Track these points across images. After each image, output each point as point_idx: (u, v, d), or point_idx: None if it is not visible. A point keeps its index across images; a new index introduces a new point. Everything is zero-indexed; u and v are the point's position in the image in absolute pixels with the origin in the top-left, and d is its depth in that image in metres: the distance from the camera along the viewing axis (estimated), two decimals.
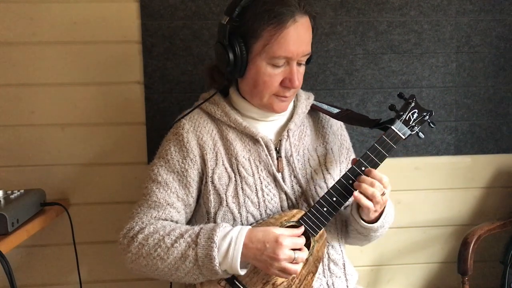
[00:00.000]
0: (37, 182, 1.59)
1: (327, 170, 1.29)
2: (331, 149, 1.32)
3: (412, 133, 1.22)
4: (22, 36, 1.56)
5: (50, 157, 1.60)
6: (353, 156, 1.38)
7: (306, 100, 1.33)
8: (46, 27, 1.56)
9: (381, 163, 1.19)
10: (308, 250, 1.15)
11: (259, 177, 1.22)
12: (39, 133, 1.59)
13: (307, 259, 1.15)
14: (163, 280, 1.19)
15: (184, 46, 1.60)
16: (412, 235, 1.77)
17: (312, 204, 1.19)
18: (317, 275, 1.20)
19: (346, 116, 1.33)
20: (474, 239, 1.57)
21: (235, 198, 1.20)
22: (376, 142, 1.19)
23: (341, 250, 1.29)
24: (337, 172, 1.30)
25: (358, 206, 1.20)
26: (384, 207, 1.21)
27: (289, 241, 1.10)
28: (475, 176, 1.77)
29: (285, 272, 1.10)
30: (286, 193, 1.23)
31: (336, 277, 1.26)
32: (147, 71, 1.60)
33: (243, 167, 1.22)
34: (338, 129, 1.37)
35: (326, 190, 1.19)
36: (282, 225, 1.16)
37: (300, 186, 1.24)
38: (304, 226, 1.15)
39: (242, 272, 1.11)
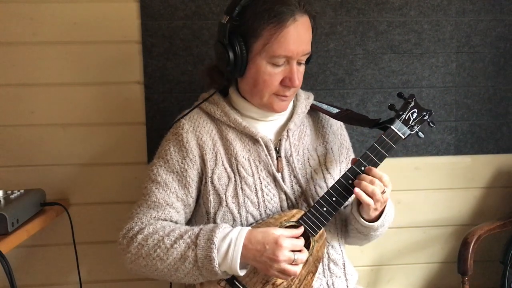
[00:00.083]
0: (37, 182, 1.59)
1: (327, 170, 1.28)
2: (331, 148, 1.32)
3: (412, 132, 1.22)
4: (22, 36, 1.56)
5: (50, 157, 1.60)
6: (352, 156, 1.38)
7: (306, 100, 1.33)
8: (46, 27, 1.56)
9: (380, 163, 1.19)
10: (308, 250, 1.15)
11: (259, 177, 1.22)
12: (39, 133, 1.59)
13: (307, 259, 1.15)
14: (162, 280, 1.19)
15: (184, 46, 1.60)
16: (412, 235, 1.77)
17: (312, 204, 1.19)
18: (317, 275, 1.20)
19: (345, 116, 1.32)
20: (474, 239, 1.57)
21: (234, 198, 1.20)
22: (376, 142, 1.19)
23: (341, 250, 1.29)
24: (337, 172, 1.30)
25: (359, 204, 1.20)
26: (385, 206, 1.21)
27: (289, 243, 1.09)
28: (475, 176, 1.76)
29: (284, 273, 1.10)
30: (285, 193, 1.23)
31: (336, 277, 1.26)
32: (147, 71, 1.60)
33: (242, 167, 1.22)
34: (338, 129, 1.37)
35: (326, 190, 1.18)
36: (281, 225, 1.16)
37: (300, 186, 1.24)
38: (304, 226, 1.15)
39: (242, 273, 1.11)
